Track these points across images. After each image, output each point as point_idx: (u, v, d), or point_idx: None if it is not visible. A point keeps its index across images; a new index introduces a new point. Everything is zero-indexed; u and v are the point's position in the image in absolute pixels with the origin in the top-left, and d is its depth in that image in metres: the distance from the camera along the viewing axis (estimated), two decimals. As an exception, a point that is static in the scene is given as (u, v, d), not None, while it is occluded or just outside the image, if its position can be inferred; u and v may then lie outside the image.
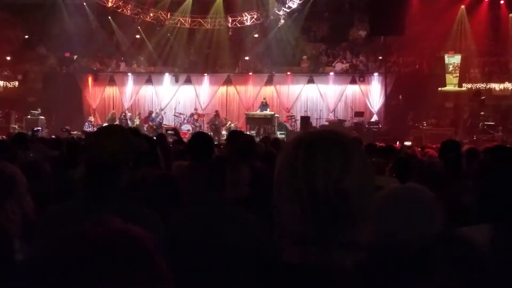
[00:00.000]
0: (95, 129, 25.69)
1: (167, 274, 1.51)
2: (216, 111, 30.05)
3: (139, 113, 31.30)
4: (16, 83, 32.84)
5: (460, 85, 28.90)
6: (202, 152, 5.80)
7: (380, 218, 2.31)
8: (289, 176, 1.79)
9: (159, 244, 1.56)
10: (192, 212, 4.21)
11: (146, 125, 28.93)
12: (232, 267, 3.41)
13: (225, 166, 4.24)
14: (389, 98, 29.28)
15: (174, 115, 30.75)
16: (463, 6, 28.77)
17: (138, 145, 3.60)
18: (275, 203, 1.84)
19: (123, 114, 30.31)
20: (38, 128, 18.24)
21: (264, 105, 28.81)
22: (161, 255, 1.53)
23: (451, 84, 29.08)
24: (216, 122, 29.10)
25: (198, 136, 6.37)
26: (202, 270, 3.78)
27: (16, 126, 28.85)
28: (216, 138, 24.47)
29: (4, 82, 32.76)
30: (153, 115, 30.01)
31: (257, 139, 17.89)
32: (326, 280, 1.74)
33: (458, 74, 28.98)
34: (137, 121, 30.16)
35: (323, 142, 1.81)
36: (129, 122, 29.29)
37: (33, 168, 4.40)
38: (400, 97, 28.77)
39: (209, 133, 23.46)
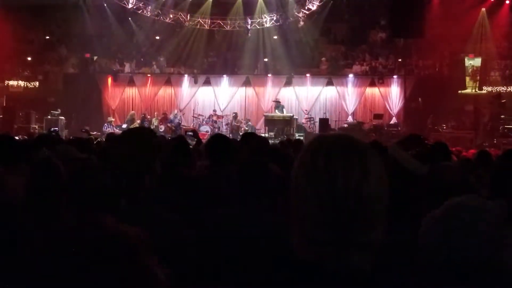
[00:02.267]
0: (115, 129, 25.84)
1: (153, 273, 1.55)
2: (235, 113, 30.12)
3: (157, 114, 31.37)
4: (37, 84, 33.05)
5: (480, 88, 28.74)
6: (220, 154, 5.84)
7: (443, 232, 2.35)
8: (309, 179, 1.83)
9: (148, 243, 1.59)
10: (226, 213, 4.23)
11: (164, 126, 28.97)
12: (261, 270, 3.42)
13: (259, 168, 4.28)
14: (408, 100, 29.19)
15: (193, 116, 30.82)
16: (483, 9, 28.66)
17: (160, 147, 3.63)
18: (292, 204, 1.88)
19: (143, 115, 30.38)
20: (55, 128, 18.28)
21: (277, 106, 28.68)
22: (149, 254, 1.56)
23: (471, 87, 28.93)
24: (234, 124, 29.16)
25: (217, 138, 6.39)
26: (231, 270, 3.80)
27: (36, 126, 29.02)
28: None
29: (25, 83, 32.98)
30: (172, 116, 30.05)
31: (276, 141, 17.94)
32: (344, 280, 1.78)
33: (478, 77, 28.83)
34: (155, 122, 30.24)
35: (343, 147, 1.86)
36: (145, 123, 29.27)
37: (46, 165, 4.43)
38: (420, 99, 28.63)
39: (228, 135, 23.55)
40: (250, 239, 3.86)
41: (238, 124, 29.16)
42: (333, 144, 1.86)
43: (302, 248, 1.84)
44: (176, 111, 30.91)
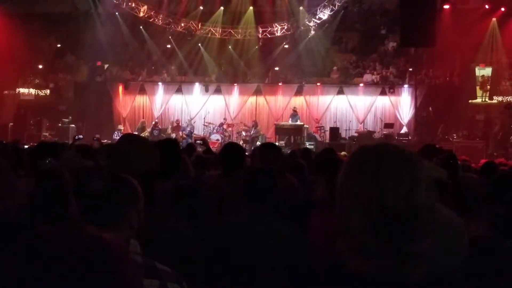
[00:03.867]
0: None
1: (132, 283, 1.56)
2: (254, 121, 30.06)
3: (172, 122, 31.45)
4: (48, 92, 33.18)
5: (490, 98, 28.66)
6: (233, 163, 5.82)
7: None
8: (357, 189, 1.81)
9: (127, 253, 1.60)
10: (232, 223, 4.23)
11: (176, 135, 28.99)
12: (271, 278, 3.43)
13: (268, 177, 4.27)
14: (419, 110, 29.10)
15: (204, 125, 30.85)
16: (494, 19, 28.59)
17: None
18: (339, 214, 1.87)
19: (154, 123, 30.43)
20: (80, 136, 18.44)
21: (294, 115, 28.72)
22: (130, 264, 1.58)
23: (482, 97, 28.85)
24: (252, 133, 29.09)
25: (231, 147, 6.37)
26: (241, 281, 3.80)
27: (47, 134, 29.14)
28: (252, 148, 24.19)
29: (36, 90, 33.11)
30: (184, 124, 30.08)
31: (287, 150, 17.93)
32: None
33: (488, 87, 28.76)
34: (169, 130, 30.33)
35: (391, 157, 1.84)
36: (155, 132, 29.26)
37: (52, 175, 4.46)
38: (430, 109, 28.58)
39: (240, 142, 23.52)
40: (256, 247, 3.86)
41: (257, 135, 29.03)
42: (381, 154, 1.86)
43: (352, 259, 1.84)
44: (188, 119, 30.93)
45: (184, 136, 28.39)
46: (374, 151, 1.87)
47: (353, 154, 1.94)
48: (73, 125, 29.45)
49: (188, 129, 29.38)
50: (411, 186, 1.77)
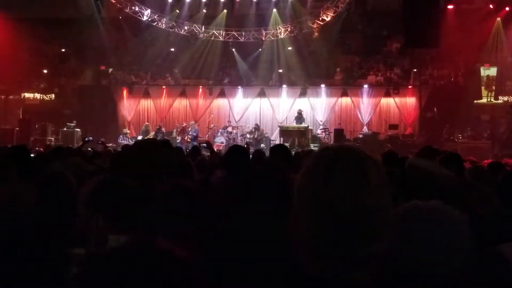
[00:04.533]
0: (131, 141, 25.87)
1: None
2: (256, 124, 30.03)
3: (177, 126, 31.44)
4: (53, 96, 33.24)
5: (496, 98, 28.60)
6: (238, 165, 5.81)
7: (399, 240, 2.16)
8: (309, 193, 1.81)
9: (200, 267, 1.59)
10: (232, 223, 4.22)
11: (181, 138, 29.00)
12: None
13: (265, 178, 4.25)
14: (423, 110, 29.09)
15: (208, 128, 30.85)
16: (498, 19, 28.56)
17: (171, 158, 3.63)
18: (295, 217, 1.87)
19: (158, 127, 30.41)
20: (90, 138, 18.63)
21: (299, 117, 28.68)
22: (199, 279, 1.57)
23: (487, 97, 28.78)
24: (256, 136, 29.07)
25: (235, 149, 6.37)
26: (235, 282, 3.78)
27: (53, 139, 29.15)
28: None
29: (41, 95, 33.17)
30: (189, 128, 30.06)
31: (292, 152, 17.90)
32: None
33: (493, 87, 28.69)
34: (174, 134, 30.31)
35: (342, 160, 1.84)
36: (159, 135, 29.24)
37: (56, 179, 4.45)
38: (435, 109, 28.54)
39: (244, 145, 23.50)
40: (251, 248, 3.85)
41: (261, 137, 29.04)
42: (333, 156, 1.85)
43: (307, 263, 1.83)
44: (192, 122, 30.92)
45: (189, 139, 28.36)
46: (326, 154, 1.88)
47: (311, 157, 1.94)
48: (78, 129, 29.45)
49: (191, 132, 29.34)
50: (360, 189, 1.78)
